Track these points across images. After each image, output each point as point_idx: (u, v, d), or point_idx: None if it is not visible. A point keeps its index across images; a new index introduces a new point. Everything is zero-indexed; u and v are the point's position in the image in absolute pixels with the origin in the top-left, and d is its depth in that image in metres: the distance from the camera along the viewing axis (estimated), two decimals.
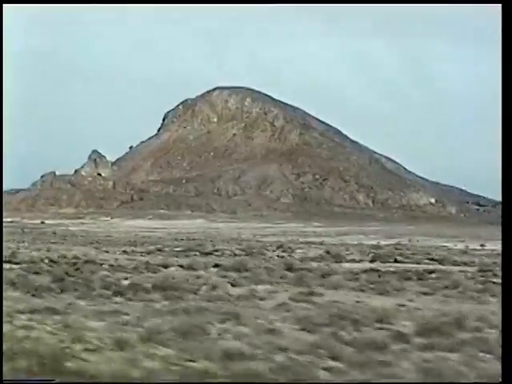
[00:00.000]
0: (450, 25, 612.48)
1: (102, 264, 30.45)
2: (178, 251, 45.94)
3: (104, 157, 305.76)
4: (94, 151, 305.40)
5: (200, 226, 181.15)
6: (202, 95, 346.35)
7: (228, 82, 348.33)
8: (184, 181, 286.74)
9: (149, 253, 43.66)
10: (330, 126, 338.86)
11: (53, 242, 58.82)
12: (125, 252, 44.35)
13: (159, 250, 48.12)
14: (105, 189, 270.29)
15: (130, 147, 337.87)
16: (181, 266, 30.47)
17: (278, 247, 52.07)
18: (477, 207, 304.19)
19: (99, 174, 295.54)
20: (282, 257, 43.32)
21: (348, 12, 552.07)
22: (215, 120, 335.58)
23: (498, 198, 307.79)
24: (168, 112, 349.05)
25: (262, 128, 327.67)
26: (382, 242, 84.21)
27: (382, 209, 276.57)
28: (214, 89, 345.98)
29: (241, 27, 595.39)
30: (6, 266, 26.11)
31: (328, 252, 45.17)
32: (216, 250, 45.78)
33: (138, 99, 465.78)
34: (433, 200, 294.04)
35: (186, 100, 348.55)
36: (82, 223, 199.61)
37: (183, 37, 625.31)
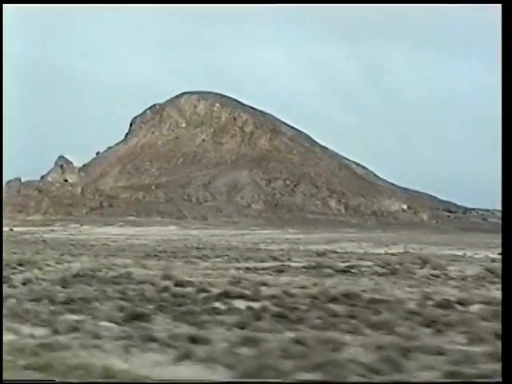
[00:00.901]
0: (412, 30, 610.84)
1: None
2: (303, 268, 37.29)
3: (71, 163, 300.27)
4: (61, 157, 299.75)
5: (175, 233, 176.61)
6: (171, 100, 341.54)
7: (194, 87, 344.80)
8: (153, 187, 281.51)
9: (281, 271, 34.83)
10: (300, 131, 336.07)
11: (82, 253, 52.88)
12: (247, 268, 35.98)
13: (283, 266, 38.77)
14: (73, 195, 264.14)
15: (97, 153, 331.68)
16: None
17: (424, 263, 42.24)
18: (447, 214, 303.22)
19: (66, 180, 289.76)
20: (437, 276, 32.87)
21: (313, 16, 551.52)
22: (184, 125, 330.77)
23: (468, 204, 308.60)
24: (135, 117, 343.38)
25: (232, 133, 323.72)
26: (393, 250, 79.82)
27: (355, 215, 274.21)
28: (182, 94, 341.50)
29: (205, 31, 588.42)
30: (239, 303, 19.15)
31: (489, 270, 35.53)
32: (351, 267, 36.79)
33: (103, 104, 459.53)
34: (405, 206, 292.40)
35: (154, 105, 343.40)
36: (52, 230, 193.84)
37: (147, 42, 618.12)
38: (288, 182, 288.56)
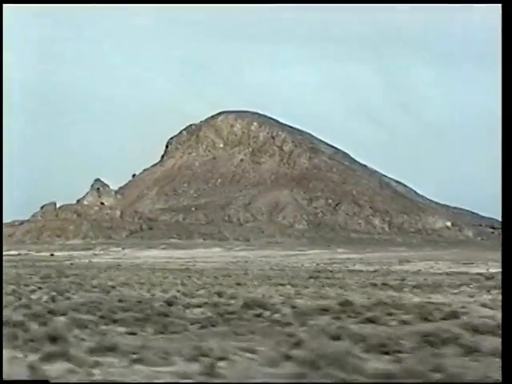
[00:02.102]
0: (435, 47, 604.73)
1: None
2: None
3: (107, 185, 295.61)
4: (97, 180, 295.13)
5: (224, 255, 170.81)
6: (206, 120, 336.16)
7: (224, 108, 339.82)
8: (193, 208, 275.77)
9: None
10: (338, 150, 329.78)
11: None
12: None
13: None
14: (112, 218, 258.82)
15: (133, 175, 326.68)
16: None
17: None
18: (491, 230, 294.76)
19: (102, 203, 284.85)
20: None
21: (337, 34, 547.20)
22: (221, 145, 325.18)
23: None
24: (171, 138, 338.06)
25: (271, 153, 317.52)
26: (492, 270, 72.83)
27: (399, 233, 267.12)
28: (219, 113, 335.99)
29: (228, 50, 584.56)
30: None
31: None
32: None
33: (136, 126, 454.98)
34: (449, 223, 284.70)
35: (190, 125, 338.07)
36: (95, 254, 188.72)
37: (179, 63, 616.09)
38: (330, 201, 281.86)
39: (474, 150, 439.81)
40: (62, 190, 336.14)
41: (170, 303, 24.64)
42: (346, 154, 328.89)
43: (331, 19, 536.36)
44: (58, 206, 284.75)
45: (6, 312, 18.52)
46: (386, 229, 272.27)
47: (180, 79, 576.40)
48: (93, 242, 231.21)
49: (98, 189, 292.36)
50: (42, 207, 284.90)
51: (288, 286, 38.02)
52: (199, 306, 23.24)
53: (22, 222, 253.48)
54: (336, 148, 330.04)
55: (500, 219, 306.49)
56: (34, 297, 28.15)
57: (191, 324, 18.22)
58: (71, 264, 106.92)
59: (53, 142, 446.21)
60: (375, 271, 69.09)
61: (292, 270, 72.87)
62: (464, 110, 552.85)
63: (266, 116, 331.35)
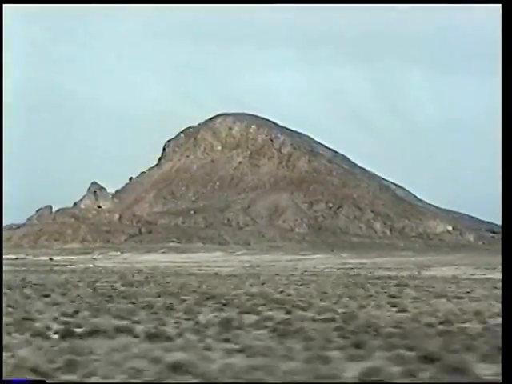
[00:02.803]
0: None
1: None
2: None
3: (104, 189, 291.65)
4: (94, 183, 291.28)
5: (228, 260, 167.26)
6: (205, 123, 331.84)
7: (218, 111, 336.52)
8: (192, 212, 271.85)
9: None
10: (337, 153, 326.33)
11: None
12: None
13: None
14: (110, 222, 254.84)
15: (130, 178, 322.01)
16: None
17: None
18: (491, 234, 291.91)
19: (99, 207, 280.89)
20: None
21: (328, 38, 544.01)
22: (219, 148, 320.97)
23: None
24: (168, 141, 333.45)
25: (269, 155, 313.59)
26: None
27: (401, 238, 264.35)
28: (217, 116, 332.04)
29: (222, 54, 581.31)
30: None
31: None
32: None
33: (134, 129, 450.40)
34: (450, 228, 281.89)
35: (188, 128, 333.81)
36: (94, 258, 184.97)
37: (173, 66, 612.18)
38: (330, 205, 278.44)
39: (469, 153, 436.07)
40: (58, 193, 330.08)
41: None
42: (345, 157, 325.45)
43: (323, 22, 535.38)
44: (54, 209, 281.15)
45: None
46: (388, 233, 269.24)
47: (174, 82, 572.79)
48: (91, 246, 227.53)
49: (95, 192, 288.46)
50: (37, 211, 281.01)
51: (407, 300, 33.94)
52: None
53: (19, 226, 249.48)
54: (335, 151, 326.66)
55: (499, 223, 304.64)
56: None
57: None
58: (87, 268, 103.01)
59: (48, 145, 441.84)
60: (415, 278, 65.47)
61: (330, 277, 69.03)
62: (460, 113, 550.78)
63: (264, 118, 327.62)
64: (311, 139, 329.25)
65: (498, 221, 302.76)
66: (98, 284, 45.15)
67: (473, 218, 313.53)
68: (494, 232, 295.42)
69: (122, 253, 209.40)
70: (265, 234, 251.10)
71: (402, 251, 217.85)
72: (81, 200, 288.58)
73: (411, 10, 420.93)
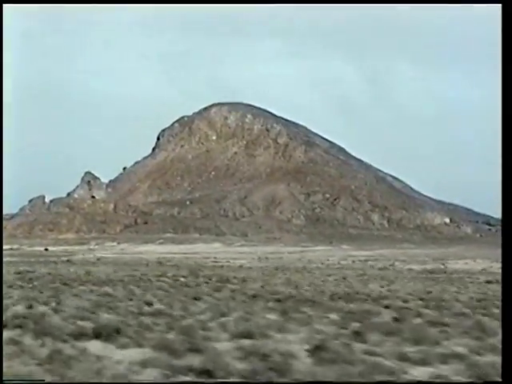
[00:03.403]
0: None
1: None
2: None
3: (98, 178, 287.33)
4: (88, 173, 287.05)
5: (227, 251, 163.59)
6: (199, 112, 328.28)
7: (216, 100, 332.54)
8: (188, 202, 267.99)
9: None
10: (333, 143, 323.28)
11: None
12: None
13: None
14: (105, 212, 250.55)
15: (124, 168, 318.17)
16: None
17: None
18: (488, 227, 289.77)
19: (93, 197, 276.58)
20: None
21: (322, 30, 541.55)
22: (214, 138, 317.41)
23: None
24: (163, 130, 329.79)
25: (265, 145, 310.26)
26: None
27: (398, 229, 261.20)
28: (211, 105, 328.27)
29: (213, 46, 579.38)
30: None
31: None
32: None
33: (126, 119, 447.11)
34: (447, 220, 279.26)
35: (183, 117, 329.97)
36: (91, 249, 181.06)
37: (163, 56, 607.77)
38: (328, 196, 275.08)
39: (463, 146, 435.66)
40: (51, 183, 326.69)
41: None
42: (341, 148, 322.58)
43: (317, 15, 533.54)
44: (47, 199, 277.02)
45: None
46: (385, 225, 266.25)
47: (164, 72, 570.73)
48: (86, 236, 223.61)
49: (89, 182, 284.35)
50: (30, 201, 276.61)
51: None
52: None
53: (12, 216, 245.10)
54: (331, 142, 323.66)
55: (495, 216, 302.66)
56: None
57: None
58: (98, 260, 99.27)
59: (40, 134, 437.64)
60: (450, 272, 62.26)
61: (361, 270, 65.65)
62: (454, 108, 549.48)
63: (260, 108, 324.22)
64: (307, 130, 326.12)
65: (494, 213, 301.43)
66: (181, 279, 39.26)
67: (468, 210, 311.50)
68: (490, 224, 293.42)
69: (118, 243, 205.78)
70: (262, 225, 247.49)
71: (401, 243, 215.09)
72: (74, 190, 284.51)
73: (410, 9, 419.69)
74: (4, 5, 22.03)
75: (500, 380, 10.04)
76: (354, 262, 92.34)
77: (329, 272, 57.92)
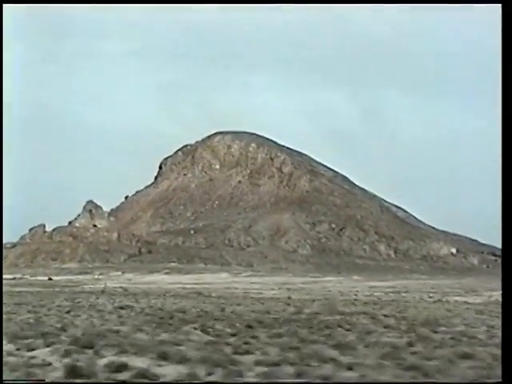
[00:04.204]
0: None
1: None
2: None
3: (100, 207, 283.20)
4: (89, 201, 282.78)
5: (238, 281, 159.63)
6: (203, 141, 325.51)
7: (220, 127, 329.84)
8: (192, 232, 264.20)
9: None
10: (337, 173, 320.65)
11: None
12: None
13: None
14: (109, 241, 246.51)
15: (126, 197, 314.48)
16: None
17: None
18: (494, 258, 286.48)
19: (95, 226, 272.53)
20: None
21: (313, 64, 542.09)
22: (218, 167, 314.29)
23: None
24: (165, 159, 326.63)
25: (270, 174, 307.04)
26: None
27: (405, 260, 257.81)
28: (215, 134, 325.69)
29: (208, 75, 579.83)
30: None
31: None
32: None
33: (128, 147, 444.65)
34: (454, 250, 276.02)
35: (186, 146, 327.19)
36: (96, 279, 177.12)
37: (170, 85, 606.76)
38: (333, 226, 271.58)
39: (463, 175, 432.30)
40: (51, 211, 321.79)
41: None
42: (345, 178, 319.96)
43: (309, 43, 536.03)
44: (48, 228, 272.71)
45: None
46: (392, 255, 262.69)
47: (161, 101, 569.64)
48: (90, 265, 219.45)
49: (91, 211, 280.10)
50: (30, 229, 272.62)
51: None
52: None
53: (14, 245, 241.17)
54: (335, 171, 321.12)
55: (499, 246, 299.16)
56: None
57: None
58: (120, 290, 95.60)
59: (41, 163, 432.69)
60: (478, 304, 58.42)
61: (405, 302, 61.79)
62: (443, 133, 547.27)
63: (263, 137, 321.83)
64: (311, 159, 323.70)
65: (498, 244, 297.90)
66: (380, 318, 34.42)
67: (473, 240, 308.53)
68: (495, 255, 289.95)
69: (122, 273, 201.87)
70: (267, 255, 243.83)
71: (411, 274, 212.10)
72: (76, 219, 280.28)
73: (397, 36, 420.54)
74: (4, 5, 22.17)
75: (500, 380, 10.16)
76: (386, 293, 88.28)
77: (398, 306, 53.67)
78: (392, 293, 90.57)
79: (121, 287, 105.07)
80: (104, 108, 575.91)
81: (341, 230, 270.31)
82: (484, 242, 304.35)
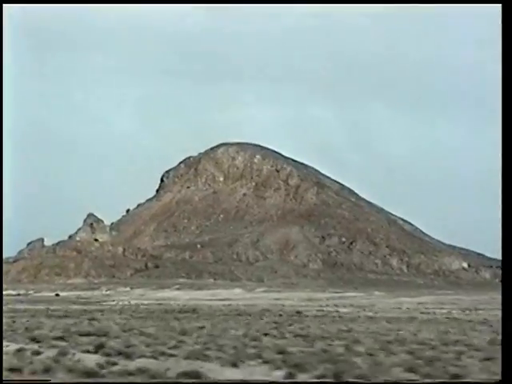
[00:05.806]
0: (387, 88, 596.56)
1: None
2: None
3: (101, 221, 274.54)
4: (90, 215, 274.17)
5: (255, 297, 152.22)
6: (206, 152, 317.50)
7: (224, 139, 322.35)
8: (199, 246, 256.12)
9: None
10: (343, 186, 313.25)
11: None
12: None
13: None
14: (114, 256, 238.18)
15: (127, 210, 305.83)
16: None
17: None
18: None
19: (96, 240, 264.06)
20: None
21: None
22: (221, 179, 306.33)
23: None
24: (167, 171, 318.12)
25: (276, 187, 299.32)
26: None
27: (418, 275, 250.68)
28: (219, 145, 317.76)
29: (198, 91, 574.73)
30: None
31: None
32: None
33: (129, 160, 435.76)
34: (465, 265, 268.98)
35: (188, 158, 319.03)
36: (106, 295, 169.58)
37: (172, 96, 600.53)
38: (344, 239, 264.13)
39: (464, 187, 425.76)
40: (49, 225, 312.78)
41: None
42: (351, 190, 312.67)
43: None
44: (47, 242, 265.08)
45: None
46: (404, 269, 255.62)
47: (166, 113, 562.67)
48: (95, 281, 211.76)
49: (92, 224, 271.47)
50: (28, 244, 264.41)
51: None
52: None
53: (16, 259, 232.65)
54: (341, 183, 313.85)
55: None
56: None
57: None
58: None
59: (40, 176, 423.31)
60: None
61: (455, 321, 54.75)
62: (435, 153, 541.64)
63: (268, 149, 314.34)
64: (316, 171, 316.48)
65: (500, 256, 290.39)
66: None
67: (479, 254, 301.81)
68: None
69: (131, 288, 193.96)
70: (277, 269, 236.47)
71: (426, 289, 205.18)
72: (76, 232, 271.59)
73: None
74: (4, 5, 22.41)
75: (500, 380, 10.56)
76: (433, 312, 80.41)
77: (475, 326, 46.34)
78: (442, 309, 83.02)
79: (142, 303, 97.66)
80: (102, 121, 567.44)
81: (351, 243, 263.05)
82: (491, 257, 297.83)
